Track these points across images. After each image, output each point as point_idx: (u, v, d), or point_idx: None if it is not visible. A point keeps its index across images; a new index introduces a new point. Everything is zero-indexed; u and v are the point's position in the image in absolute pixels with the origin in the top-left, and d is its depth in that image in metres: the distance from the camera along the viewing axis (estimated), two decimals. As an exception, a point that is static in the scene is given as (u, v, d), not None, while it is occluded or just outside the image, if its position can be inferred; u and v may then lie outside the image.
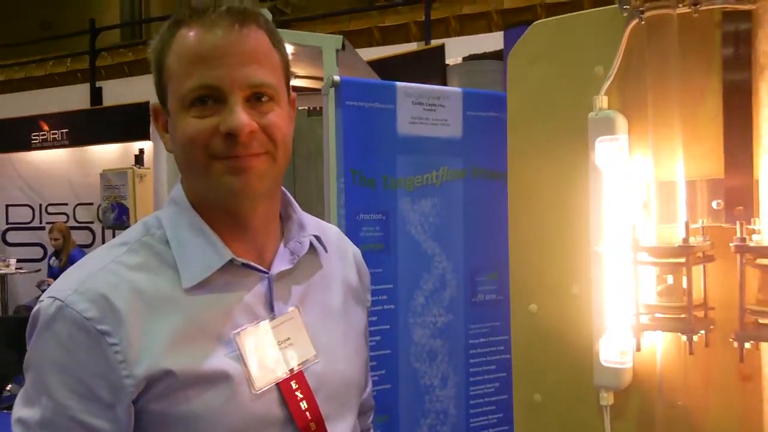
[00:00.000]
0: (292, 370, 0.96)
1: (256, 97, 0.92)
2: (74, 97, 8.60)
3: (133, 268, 0.92)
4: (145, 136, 7.14)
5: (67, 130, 7.78)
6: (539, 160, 1.30)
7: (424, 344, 2.06)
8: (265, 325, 0.96)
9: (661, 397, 1.11)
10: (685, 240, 1.06)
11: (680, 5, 1.10)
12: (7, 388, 4.86)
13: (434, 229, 2.07)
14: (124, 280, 0.90)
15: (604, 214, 1.16)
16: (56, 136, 7.85)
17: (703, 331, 1.07)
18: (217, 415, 0.89)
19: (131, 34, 11.53)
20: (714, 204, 1.11)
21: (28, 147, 8.00)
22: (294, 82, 2.90)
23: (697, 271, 1.08)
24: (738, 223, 1.03)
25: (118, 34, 11.24)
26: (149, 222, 0.99)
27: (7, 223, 8.20)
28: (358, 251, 1.19)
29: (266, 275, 0.98)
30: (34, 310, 0.91)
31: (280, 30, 1.00)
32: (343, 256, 1.14)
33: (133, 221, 6.04)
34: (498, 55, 4.73)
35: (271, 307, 0.97)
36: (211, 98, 0.90)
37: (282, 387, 0.94)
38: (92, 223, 7.83)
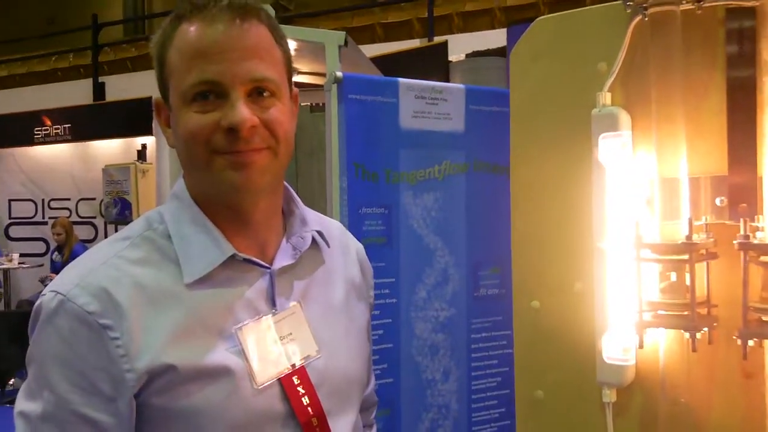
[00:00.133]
0: (293, 366, 0.96)
1: (258, 92, 0.91)
2: (77, 93, 8.60)
3: (135, 263, 0.92)
4: (148, 132, 7.16)
5: (69, 125, 7.80)
6: (542, 158, 1.29)
7: (426, 338, 2.06)
8: (267, 320, 0.96)
9: (664, 394, 1.11)
10: (689, 237, 1.05)
11: (683, 2, 1.09)
12: (10, 383, 4.88)
13: (437, 223, 2.06)
14: (126, 274, 0.90)
15: (607, 211, 1.16)
16: (59, 131, 7.86)
17: (706, 329, 1.07)
18: (218, 409, 0.89)
19: (134, 29, 11.52)
20: (717, 201, 1.11)
21: (31, 142, 8.02)
22: (297, 78, 2.90)
23: (701, 268, 1.08)
24: (741, 220, 1.02)
25: (120, 29, 11.25)
26: (151, 217, 0.99)
27: (10, 218, 8.23)
28: (361, 247, 1.19)
29: (268, 270, 0.98)
30: (36, 304, 0.91)
31: (282, 26, 1.00)
32: (345, 252, 1.14)
33: (136, 216, 6.03)
34: (501, 52, 4.73)
35: (272, 303, 0.97)
36: (212, 93, 0.90)
37: (284, 382, 0.94)
38: (95, 218, 7.85)
